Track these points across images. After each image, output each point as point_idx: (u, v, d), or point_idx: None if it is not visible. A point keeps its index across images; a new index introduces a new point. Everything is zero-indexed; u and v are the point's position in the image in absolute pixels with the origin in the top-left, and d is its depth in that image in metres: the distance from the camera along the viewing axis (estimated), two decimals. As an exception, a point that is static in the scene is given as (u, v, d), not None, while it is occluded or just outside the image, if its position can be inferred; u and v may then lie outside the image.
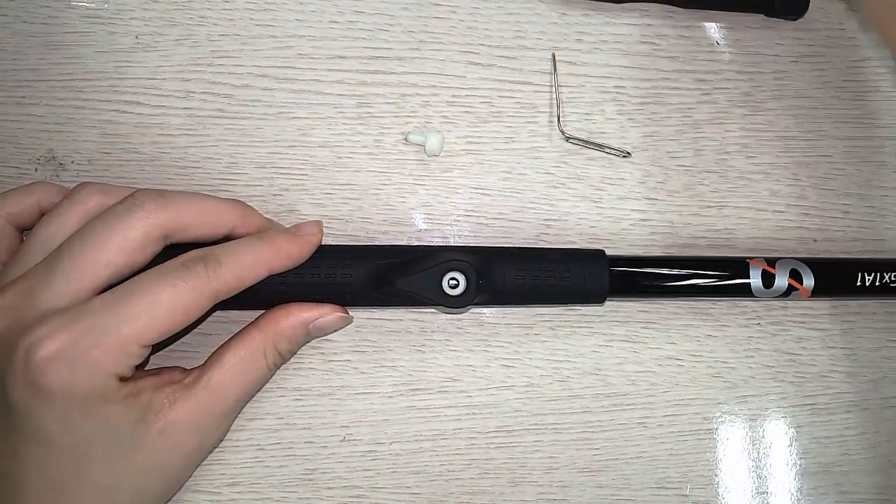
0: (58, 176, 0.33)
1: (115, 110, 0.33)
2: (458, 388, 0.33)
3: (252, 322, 0.29)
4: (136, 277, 0.26)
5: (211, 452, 0.30)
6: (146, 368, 0.30)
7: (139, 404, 0.26)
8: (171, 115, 0.33)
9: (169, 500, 0.29)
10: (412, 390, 0.33)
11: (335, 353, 0.33)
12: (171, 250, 0.27)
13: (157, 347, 0.28)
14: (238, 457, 0.32)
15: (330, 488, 0.33)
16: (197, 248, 0.27)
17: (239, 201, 0.29)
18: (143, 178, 0.33)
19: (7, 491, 0.26)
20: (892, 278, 0.32)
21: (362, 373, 0.33)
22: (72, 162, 0.33)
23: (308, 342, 0.31)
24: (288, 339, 0.29)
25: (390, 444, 0.33)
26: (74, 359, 0.24)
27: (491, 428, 0.33)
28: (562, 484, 0.33)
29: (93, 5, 0.33)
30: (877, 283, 0.32)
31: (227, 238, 0.28)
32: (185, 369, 0.29)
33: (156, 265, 0.26)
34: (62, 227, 0.27)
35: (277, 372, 0.32)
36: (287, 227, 0.30)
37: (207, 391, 0.27)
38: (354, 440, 0.33)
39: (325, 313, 0.29)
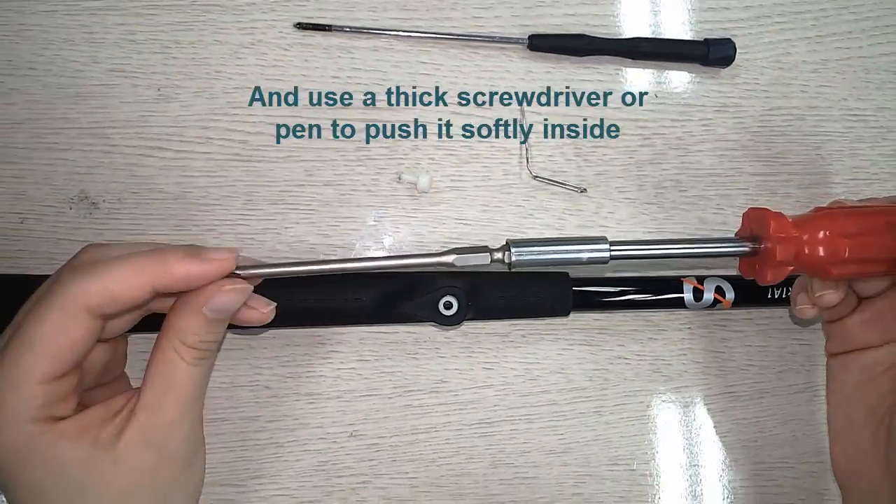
0: (91, 213, 0.37)
1: (141, 154, 0.38)
2: (446, 388, 0.39)
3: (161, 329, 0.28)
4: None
5: (190, 459, 0.29)
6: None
7: (84, 442, 0.26)
8: (192, 158, 0.38)
9: None
10: (408, 391, 0.39)
11: (342, 363, 0.39)
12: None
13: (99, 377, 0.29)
14: (260, 453, 0.38)
15: (340, 477, 0.38)
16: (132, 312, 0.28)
17: (159, 251, 0.26)
18: (168, 215, 0.38)
19: None
20: (794, 291, 0.39)
21: (365, 378, 0.39)
22: (103, 201, 0.37)
23: (223, 324, 0.28)
24: (190, 332, 0.27)
25: (391, 437, 0.39)
26: None
27: (474, 420, 0.39)
28: (534, 464, 0.40)
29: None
30: (783, 296, 0.39)
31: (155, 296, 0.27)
32: (131, 393, 0.28)
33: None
34: None
35: (293, 379, 0.38)
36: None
37: (144, 409, 0.27)
38: (360, 435, 0.39)
39: (212, 293, 0.27)
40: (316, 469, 0.38)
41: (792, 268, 0.30)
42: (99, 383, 0.31)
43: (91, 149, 0.37)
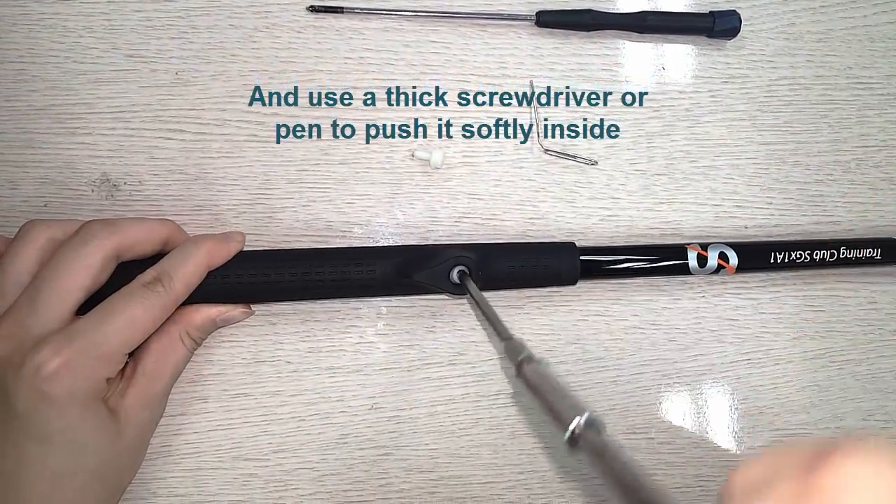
0: (112, 195, 0.38)
1: (160, 137, 0.38)
2: (464, 360, 0.40)
3: (169, 317, 0.33)
4: (111, 298, 0.31)
5: (158, 424, 0.35)
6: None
7: (112, 398, 0.32)
8: (210, 140, 0.39)
9: (137, 469, 0.34)
10: (426, 364, 0.40)
11: (361, 337, 0.39)
12: (121, 267, 0.32)
13: None
14: (282, 427, 0.38)
15: (362, 449, 0.39)
16: (142, 263, 0.32)
17: (167, 220, 0.35)
18: (188, 196, 0.38)
19: (8, 487, 0.29)
20: (797, 256, 0.40)
21: (384, 351, 0.39)
22: (124, 183, 0.38)
23: (215, 329, 0.36)
24: (198, 329, 0.34)
25: (410, 409, 0.39)
26: (77, 369, 0.29)
27: (492, 392, 0.40)
28: (552, 434, 0.40)
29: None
30: (786, 260, 0.40)
31: (164, 249, 0.34)
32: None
33: (112, 282, 0.32)
34: (26, 263, 0.31)
35: (314, 353, 0.39)
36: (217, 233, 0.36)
37: (144, 377, 0.33)
38: (380, 408, 0.39)
39: (229, 308, 0.35)
40: (338, 442, 0.39)
41: None
42: None
43: (112, 133, 0.38)
